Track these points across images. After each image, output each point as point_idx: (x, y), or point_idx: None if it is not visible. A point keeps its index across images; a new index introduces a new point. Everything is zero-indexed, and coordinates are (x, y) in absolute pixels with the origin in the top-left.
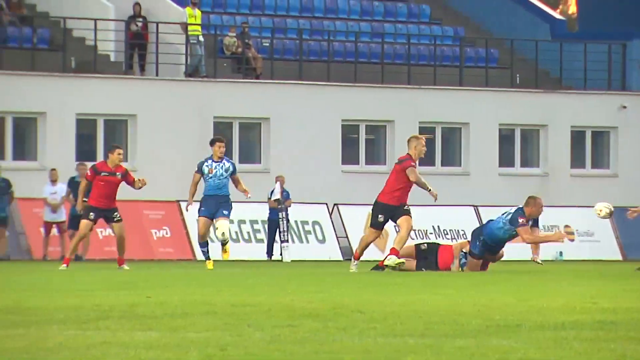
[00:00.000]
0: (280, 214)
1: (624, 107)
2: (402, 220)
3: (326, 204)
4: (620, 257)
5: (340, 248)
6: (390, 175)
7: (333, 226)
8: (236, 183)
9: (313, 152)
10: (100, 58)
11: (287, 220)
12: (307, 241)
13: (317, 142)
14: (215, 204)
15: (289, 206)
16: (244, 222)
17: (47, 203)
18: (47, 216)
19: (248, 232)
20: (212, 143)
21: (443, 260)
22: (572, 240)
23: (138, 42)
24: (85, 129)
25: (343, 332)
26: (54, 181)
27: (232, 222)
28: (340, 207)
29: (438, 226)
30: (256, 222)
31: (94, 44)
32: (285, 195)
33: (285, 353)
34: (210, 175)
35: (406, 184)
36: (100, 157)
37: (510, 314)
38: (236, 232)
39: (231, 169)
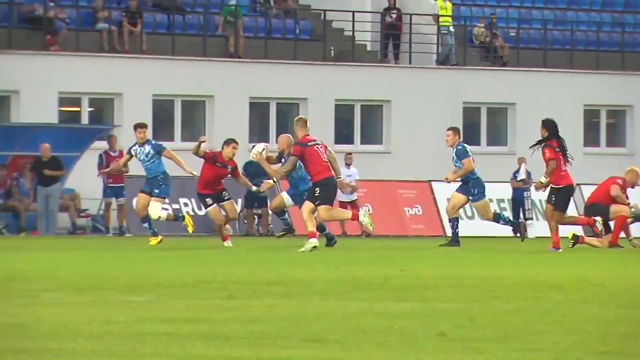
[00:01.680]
0: (525, 193)
1: None
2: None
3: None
4: None
5: None
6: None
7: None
8: (176, 161)
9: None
10: (357, 47)
11: (531, 199)
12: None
13: (563, 127)
14: (151, 184)
15: (531, 185)
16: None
17: None
18: None
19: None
20: (134, 128)
21: None
22: None
23: (392, 33)
24: (343, 114)
25: (584, 304)
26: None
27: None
28: None
29: None
30: (502, 200)
31: (352, 34)
32: (529, 175)
33: (529, 323)
34: (137, 158)
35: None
36: (354, 139)
37: None
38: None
39: (152, 151)
